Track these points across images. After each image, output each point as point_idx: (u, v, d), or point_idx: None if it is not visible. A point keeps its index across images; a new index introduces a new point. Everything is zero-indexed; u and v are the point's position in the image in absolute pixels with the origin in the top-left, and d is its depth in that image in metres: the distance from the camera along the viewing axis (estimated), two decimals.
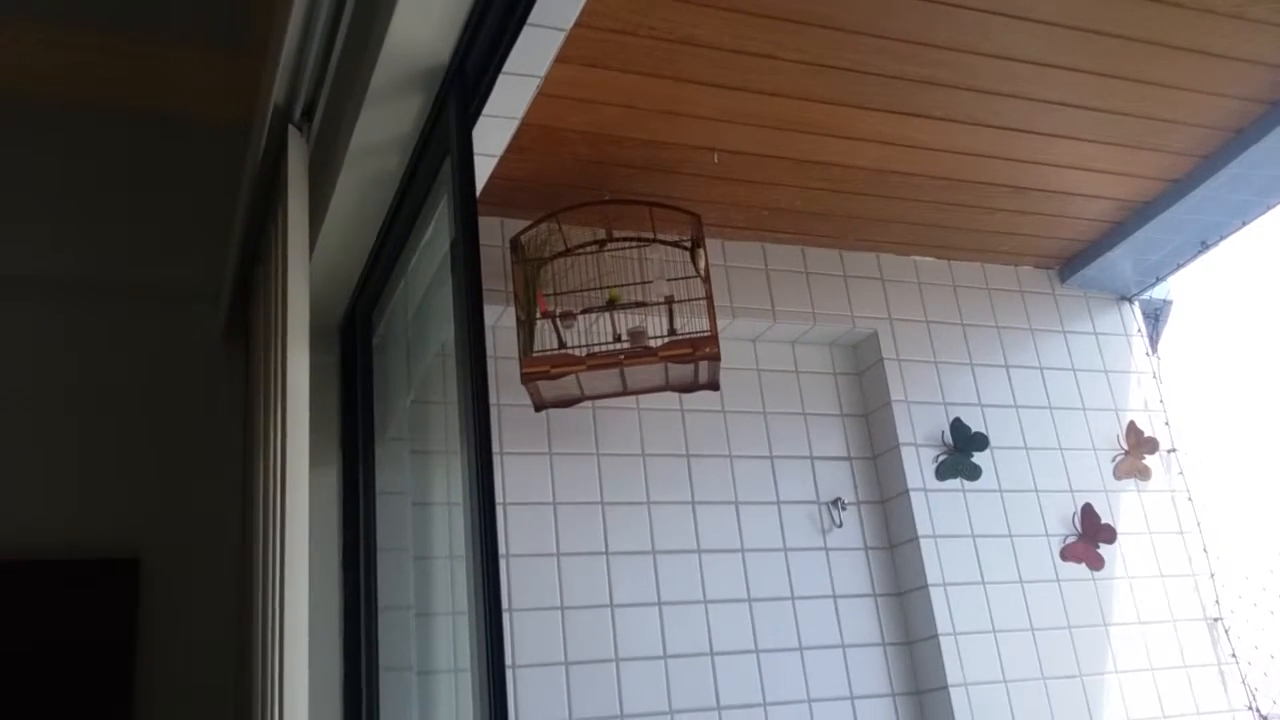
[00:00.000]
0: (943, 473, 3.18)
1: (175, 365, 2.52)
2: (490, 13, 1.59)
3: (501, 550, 2.71)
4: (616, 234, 2.84)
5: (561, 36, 1.71)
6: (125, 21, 2.49)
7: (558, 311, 2.73)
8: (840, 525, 3.11)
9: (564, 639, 2.71)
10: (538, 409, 2.77)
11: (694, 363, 2.69)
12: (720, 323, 2.86)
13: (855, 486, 3.19)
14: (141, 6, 2.45)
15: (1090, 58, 2.62)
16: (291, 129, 1.96)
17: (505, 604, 2.67)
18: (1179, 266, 3.57)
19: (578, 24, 1.73)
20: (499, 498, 2.76)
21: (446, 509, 2.22)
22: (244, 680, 2.17)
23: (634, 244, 2.85)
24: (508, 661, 2.62)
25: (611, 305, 2.75)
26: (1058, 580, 3.19)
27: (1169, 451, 3.52)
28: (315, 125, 1.99)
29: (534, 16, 1.61)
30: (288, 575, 1.69)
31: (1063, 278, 3.63)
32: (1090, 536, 3.27)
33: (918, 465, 3.16)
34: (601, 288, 2.78)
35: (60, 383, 2.43)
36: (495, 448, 2.81)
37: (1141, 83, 2.73)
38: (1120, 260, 3.50)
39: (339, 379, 2.52)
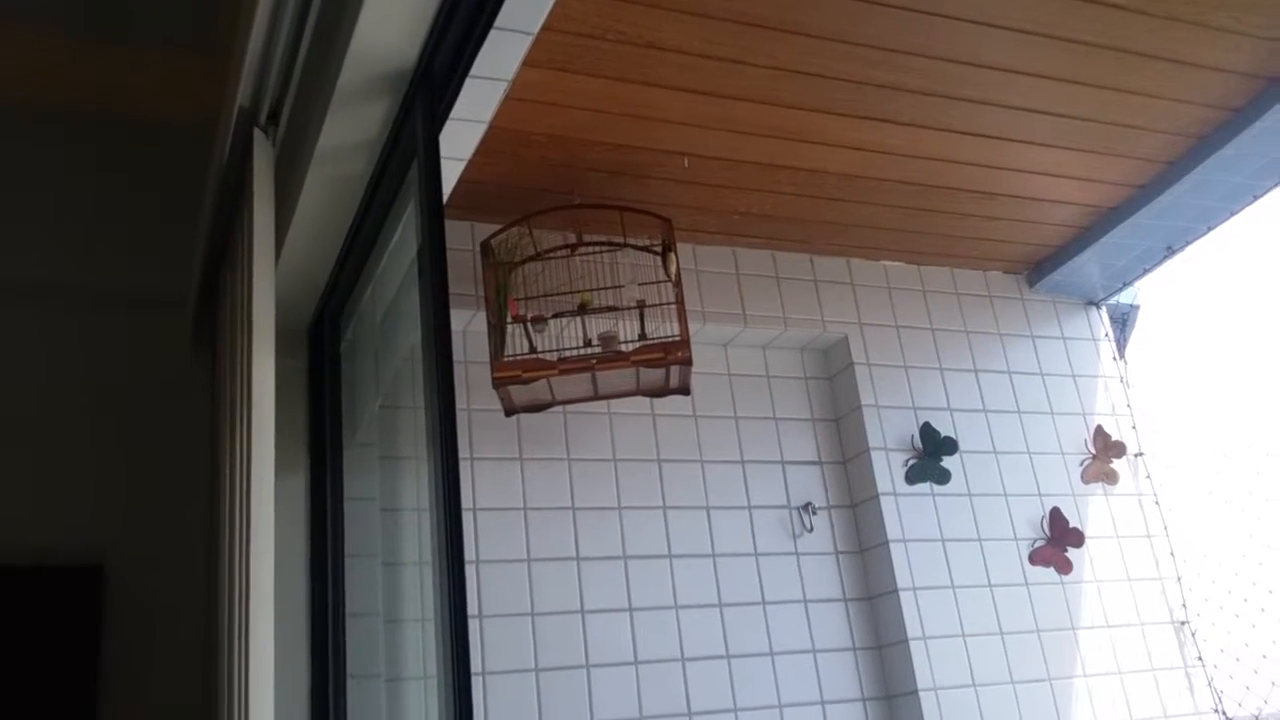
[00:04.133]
0: (912, 477, 3.20)
1: (141, 370, 2.50)
2: (457, 16, 1.59)
3: (471, 556, 2.70)
4: (587, 238, 2.84)
5: (529, 40, 1.71)
6: (90, 23, 2.47)
7: (529, 315, 2.73)
8: (811, 530, 3.12)
9: (534, 645, 2.70)
10: (508, 414, 2.76)
11: (665, 367, 2.69)
12: (691, 327, 2.86)
13: (826, 491, 3.20)
14: (106, 9, 2.43)
15: (1056, 64, 2.64)
16: (257, 132, 1.95)
17: (475, 610, 2.66)
18: (1145, 272, 3.60)
19: (545, 27, 1.72)
20: (469, 503, 2.75)
21: (415, 514, 2.20)
22: (210, 688, 2.15)
23: (605, 248, 2.85)
24: (478, 668, 2.61)
25: (582, 309, 2.74)
26: (1026, 584, 3.20)
27: (1136, 455, 3.55)
28: (281, 128, 1.98)
29: (501, 20, 1.60)
30: (253, 582, 1.67)
31: (1030, 283, 3.65)
32: (1058, 540, 3.29)
33: (888, 469, 3.17)
34: (572, 292, 2.78)
35: (24, 387, 2.40)
36: (465, 453, 2.79)
37: (1107, 89, 2.76)
38: (1087, 265, 3.53)
39: (307, 383, 2.51)
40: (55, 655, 2.23)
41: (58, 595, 2.26)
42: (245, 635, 1.67)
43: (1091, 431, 3.51)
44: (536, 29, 1.69)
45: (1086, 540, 3.33)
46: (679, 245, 2.92)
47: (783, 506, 3.13)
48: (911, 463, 3.21)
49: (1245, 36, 2.62)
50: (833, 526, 3.16)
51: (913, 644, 2.96)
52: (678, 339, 2.67)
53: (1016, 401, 3.46)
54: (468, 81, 1.72)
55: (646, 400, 2.98)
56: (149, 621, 2.32)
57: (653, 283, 2.80)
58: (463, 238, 2.92)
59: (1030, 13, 2.46)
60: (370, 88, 1.73)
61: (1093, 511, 3.40)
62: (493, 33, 1.62)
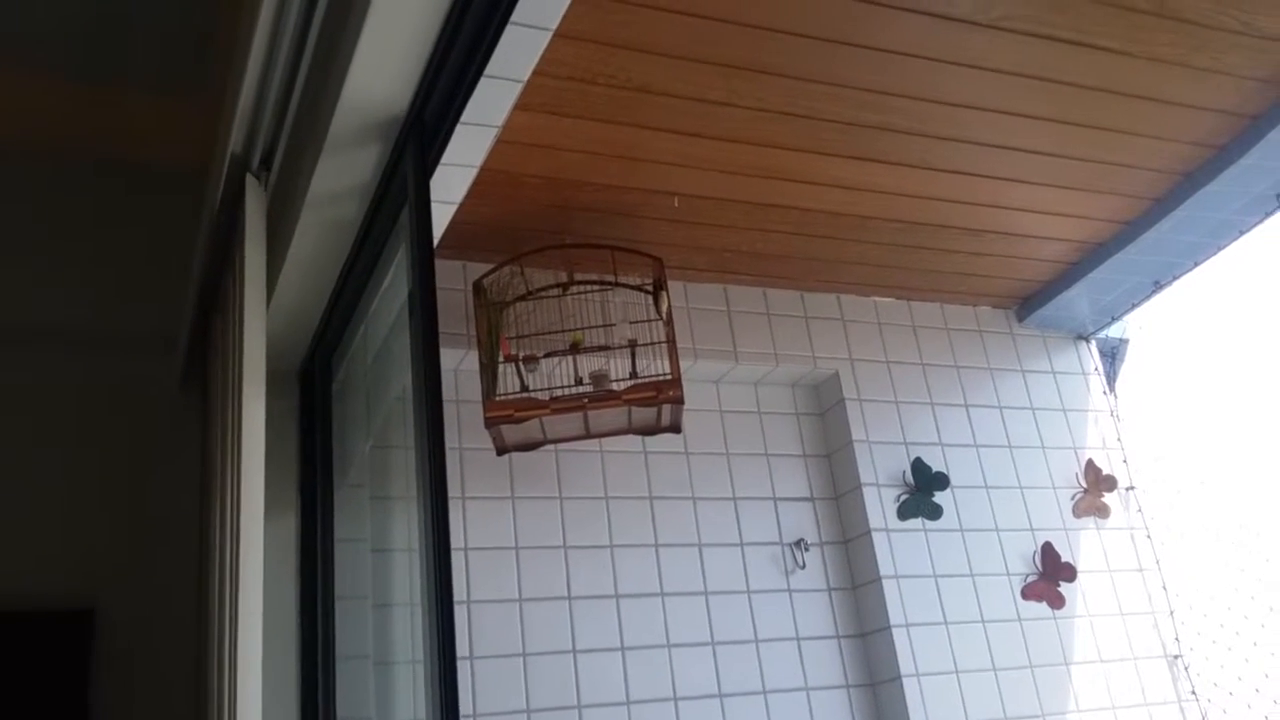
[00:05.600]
0: (904, 512, 3.20)
1: (132, 414, 2.50)
2: (448, 64, 1.61)
3: (463, 596, 2.69)
4: (578, 277, 2.85)
5: (519, 88, 1.73)
6: (83, 68, 2.49)
7: (520, 355, 2.74)
8: (803, 566, 3.12)
9: (526, 685, 2.69)
10: (500, 453, 2.76)
11: (657, 406, 2.70)
12: (683, 364, 2.87)
13: (818, 527, 3.20)
14: (100, 53, 2.45)
15: (1040, 105, 2.67)
16: (249, 177, 1.96)
17: (467, 651, 2.65)
18: (1134, 306, 3.63)
19: (536, 72, 1.74)
20: (460, 542, 2.75)
21: (407, 555, 2.20)
22: None
23: (596, 287, 2.86)
24: (469, 710, 2.60)
25: (574, 348, 2.76)
26: (1019, 619, 3.20)
27: (1127, 489, 3.56)
28: (273, 173, 2.00)
29: (491, 68, 1.62)
30: (243, 624, 1.67)
31: (1020, 317, 3.67)
32: (1051, 575, 3.29)
33: (879, 505, 3.18)
34: (564, 331, 2.79)
35: (15, 431, 2.40)
36: (457, 492, 2.79)
37: (1092, 128, 2.79)
38: (1076, 300, 3.55)
39: (298, 425, 2.51)
40: (45, 700, 2.21)
41: (48, 639, 2.25)
42: (235, 678, 1.66)
43: (1082, 465, 3.52)
44: (526, 77, 1.71)
45: (1079, 575, 3.33)
46: (670, 283, 2.94)
47: (775, 543, 3.13)
48: (903, 498, 3.22)
49: (1226, 76, 2.65)
50: (825, 563, 3.16)
51: (906, 681, 2.96)
52: (669, 378, 2.68)
53: (1007, 436, 3.47)
54: (459, 128, 1.74)
55: (638, 438, 2.98)
56: (139, 665, 2.31)
57: (644, 321, 2.81)
58: (454, 277, 2.94)
59: (1015, 55, 2.49)
60: (362, 134, 1.75)
61: (1085, 546, 3.40)
62: (483, 81, 1.64)
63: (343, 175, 1.84)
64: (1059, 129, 2.78)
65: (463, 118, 1.72)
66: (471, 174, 1.96)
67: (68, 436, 2.43)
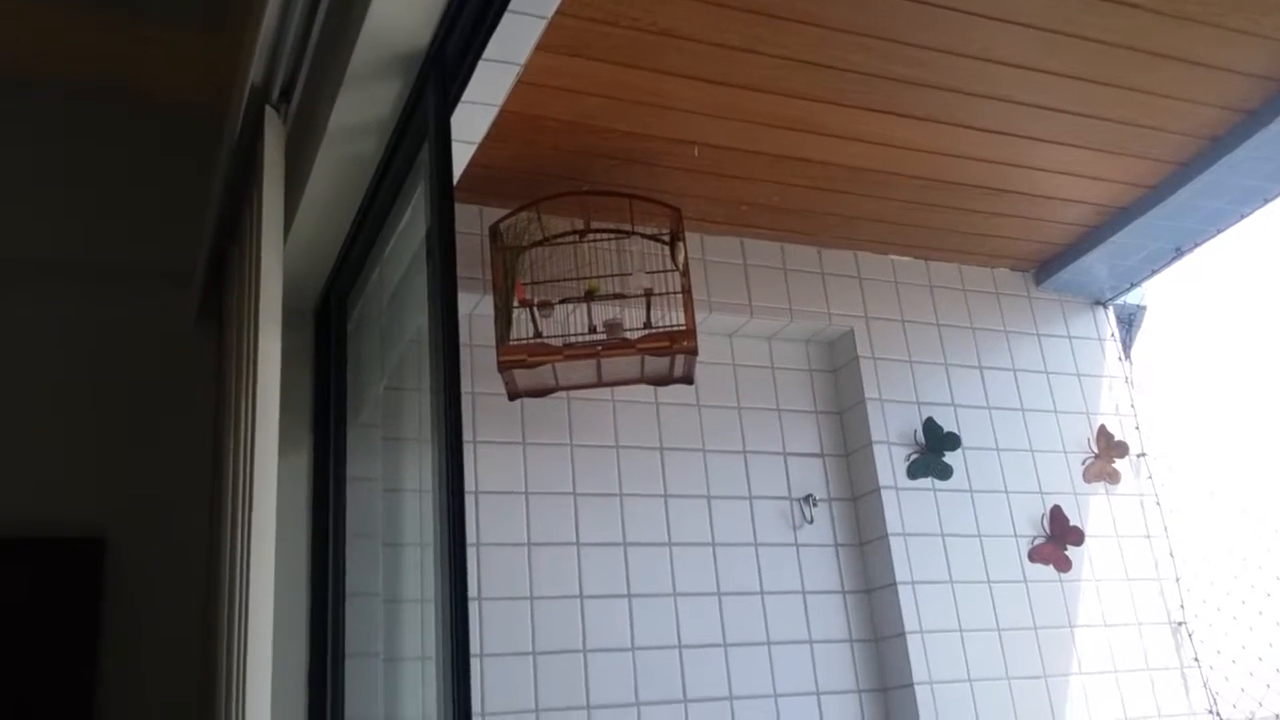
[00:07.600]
0: (914, 471, 3.20)
1: (147, 345, 2.50)
2: None
3: (472, 539, 2.71)
4: (595, 225, 2.84)
5: (542, 24, 1.71)
6: None
7: (535, 300, 2.73)
8: (811, 521, 3.12)
9: (533, 629, 2.71)
10: (512, 398, 2.76)
11: (671, 356, 2.69)
12: (697, 316, 2.86)
13: (827, 483, 3.21)
14: None
15: (1071, 62, 2.63)
16: (269, 110, 1.94)
17: (474, 593, 2.67)
18: (1153, 272, 3.60)
19: (559, 12, 1.73)
20: (471, 486, 2.76)
21: (418, 496, 2.21)
22: (209, 661, 2.16)
23: (613, 236, 2.85)
24: (476, 650, 2.62)
25: (589, 296, 2.74)
26: (1025, 581, 3.21)
27: (1138, 456, 3.55)
28: (293, 106, 1.98)
29: (515, 3, 1.60)
30: (254, 559, 1.68)
31: (1038, 280, 3.65)
32: (1058, 538, 3.29)
33: (890, 463, 3.17)
34: (579, 278, 2.77)
35: (31, 362, 2.41)
36: (468, 436, 2.80)
37: (1120, 88, 2.75)
38: (1095, 265, 3.53)
39: (312, 362, 2.52)
40: (56, 626, 2.24)
41: (59, 567, 2.27)
42: (245, 610, 1.68)
43: (1095, 431, 3.51)
44: (550, 12, 1.69)
45: (1086, 539, 3.33)
46: (687, 234, 2.92)
47: (784, 498, 3.13)
48: (914, 457, 3.21)
49: (1262, 39, 2.61)
50: (833, 519, 3.17)
51: (909, 637, 2.97)
52: (683, 328, 2.67)
53: (1020, 399, 3.46)
54: (480, 64, 1.72)
55: (650, 388, 2.98)
56: (149, 594, 2.32)
57: (660, 271, 2.80)
58: (471, 221, 2.92)
59: (1046, 10, 2.45)
60: (383, 68, 1.73)
61: (1093, 510, 3.40)
62: (506, 15, 1.62)
63: (363, 110, 1.83)
64: (1087, 88, 2.74)
65: (485, 54, 1.70)
66: (492, 113, 1.94)
67: (83, 366, 2.44)
